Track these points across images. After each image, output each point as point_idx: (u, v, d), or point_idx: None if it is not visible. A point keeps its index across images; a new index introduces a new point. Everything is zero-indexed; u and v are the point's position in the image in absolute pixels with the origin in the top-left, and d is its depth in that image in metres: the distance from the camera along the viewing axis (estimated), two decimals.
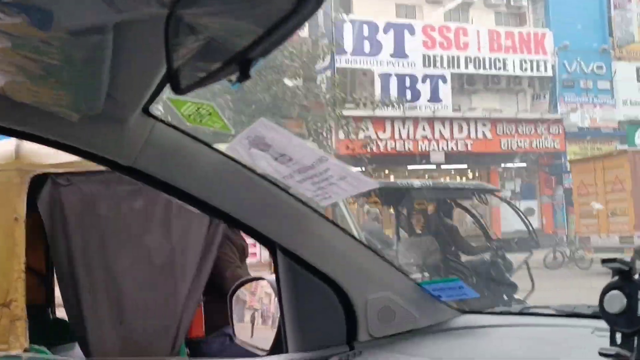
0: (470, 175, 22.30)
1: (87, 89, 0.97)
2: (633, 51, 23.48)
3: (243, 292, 1.68)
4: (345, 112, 17.09)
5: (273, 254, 1.35)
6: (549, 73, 22.71)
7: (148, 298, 2.51)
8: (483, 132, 21.43)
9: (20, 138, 1.23)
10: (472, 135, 21.28)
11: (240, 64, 0.55)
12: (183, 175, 1.28)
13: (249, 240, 3.02)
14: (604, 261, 0.95)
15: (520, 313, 1.65)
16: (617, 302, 0.97)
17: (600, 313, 0.99)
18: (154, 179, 1.27)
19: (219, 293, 2.63)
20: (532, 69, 22.61)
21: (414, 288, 1.44)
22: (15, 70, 0.84)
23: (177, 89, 0.65)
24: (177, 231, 2.57)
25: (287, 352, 1.33)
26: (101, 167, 2.47)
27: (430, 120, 20.64)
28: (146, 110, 1.19)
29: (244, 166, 1.29)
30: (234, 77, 0.61)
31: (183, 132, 1.27)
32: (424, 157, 20.06)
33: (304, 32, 15.63)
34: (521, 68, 22.44)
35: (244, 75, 0.55)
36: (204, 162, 1.30)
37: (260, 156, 1.16)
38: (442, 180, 17.88)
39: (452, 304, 1.48)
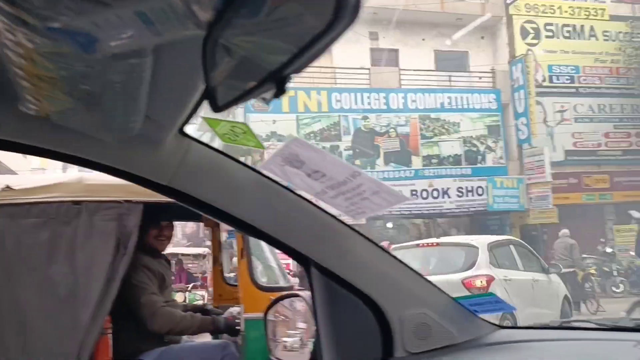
0: None
1: (126, 111, 1.00)
2: None
3: (279, 309, 1.68)
4: None
5: (307, 271, 1.36)
6: None
7: (50, 327, 2.64)
8: None
9: (59, 160, 1.27)
10: None
11: (276, 81, 0.57)
12: (218, 193, 1.30)
13: None
14: None
15: (560, 327, 1.61)
16: None
17: None
18: (190, 198, 1.29)
19: (134, 320, 2.86)
20: None
21: (450, 303, 1.42)
22: (61, 96, 0.87)
23: (215, 107, 0.67)
24: (81, 262, 2.69)
25: None
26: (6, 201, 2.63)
27: None
28: (181, 131, 1.22)
29: (278, 183, 1.30)
30: (268, 95, 0.63)
31: (218, 151, 1.29)
32: None
33: None
34: None
35: (280, 92, 0.57)
36: (238, 180, 1.32)
37: (293, 173, 1.18)
38: None
39: (490, 318, 1.46)
